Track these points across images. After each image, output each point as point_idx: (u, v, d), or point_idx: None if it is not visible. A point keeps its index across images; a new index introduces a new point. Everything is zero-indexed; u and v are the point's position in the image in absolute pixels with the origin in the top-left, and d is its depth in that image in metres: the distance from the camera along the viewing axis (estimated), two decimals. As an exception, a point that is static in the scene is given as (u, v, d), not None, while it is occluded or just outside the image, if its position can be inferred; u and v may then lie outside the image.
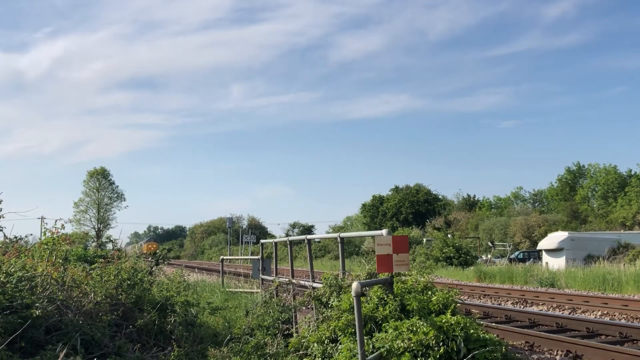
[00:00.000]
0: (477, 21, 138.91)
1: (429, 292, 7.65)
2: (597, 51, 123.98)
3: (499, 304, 17.13)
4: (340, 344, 7.28)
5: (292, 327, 10.62)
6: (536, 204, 68.74)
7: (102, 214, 75.95)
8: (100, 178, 76.57)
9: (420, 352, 6.39)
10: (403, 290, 7.64)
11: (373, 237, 8.91)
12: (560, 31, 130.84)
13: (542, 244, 38.14)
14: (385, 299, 7.44)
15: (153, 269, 11.64)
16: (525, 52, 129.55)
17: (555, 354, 8.88)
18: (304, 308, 10.61)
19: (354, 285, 6.29)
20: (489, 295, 19.90)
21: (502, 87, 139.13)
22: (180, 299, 9.75)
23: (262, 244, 17.38)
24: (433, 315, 7.01)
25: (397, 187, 77.05)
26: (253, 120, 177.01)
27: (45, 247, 9.90)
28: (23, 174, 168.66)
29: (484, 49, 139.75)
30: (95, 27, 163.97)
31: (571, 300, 17.53)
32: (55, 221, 10.53)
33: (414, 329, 6.59)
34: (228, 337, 9.37)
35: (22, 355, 6.77)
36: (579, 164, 64.00)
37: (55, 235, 10.30)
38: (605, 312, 14.51)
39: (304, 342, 8.02)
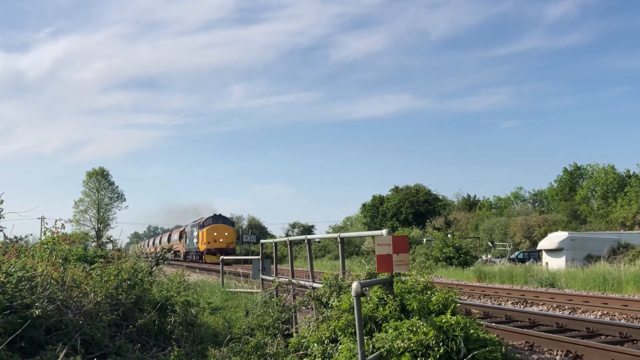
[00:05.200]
0: (479, 21, 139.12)
1: (429, 292, 7.65)
2: (598, 51, 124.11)
3: (499, 304, 17.11)
4: (340, 344, 7.27)
5: (292, 327, 10.61)
6: (536, 204, 68.69)
7: (102, 214, 75.89)
8: (100, 178, 76.49)
9: (420, 352, 6.39)
10: (403, 290, 7.64)
11: (373, 237, 8.91)
12: (562, 31, 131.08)
13: (542, 244, 38.11)
14: (385, 299, 7.44)
15: (153, 269, 11.62)
16: (527, 52, 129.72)
17: (555, 354, 8.87)
18: (304, 308, 10.60)
19: (354, 285, 6.29)
20: (489, 295, 19.88)
21: (504, 87, 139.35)
22: (180, 299, 9.75)
23: (262, 244, 17.37)
24: (433, 315, 7.01)
25: (397, 187, 76.97)
26: (254, 120, 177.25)
27: (45, 247, 9.90)
28: (23, 174, 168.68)
29: (485, 49, 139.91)
30: (96, 27, 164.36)
31: (571, 300, 17.52)
32: (55, 221, 10.52)
33: (414, 329, 6.59)
34: (228, 337, 9.37)
35: (22, 355, 6.77)
36: (576, 164, 64.18)
37: (55, 235, 10.29)
38: (605, 312, 14.49)
39: (304, 342, 8.01)
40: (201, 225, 56.87)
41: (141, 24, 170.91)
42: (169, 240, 73.44)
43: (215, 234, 54.63)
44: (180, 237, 65.92)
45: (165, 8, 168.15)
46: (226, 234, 55.42)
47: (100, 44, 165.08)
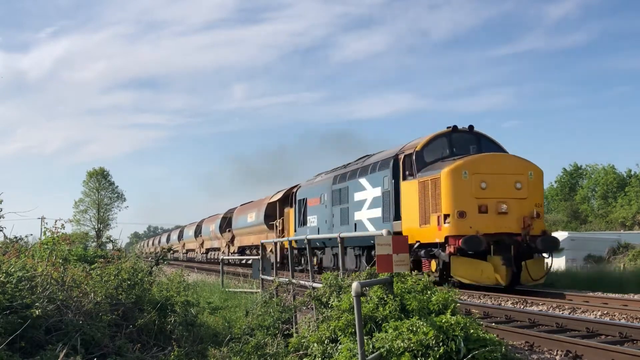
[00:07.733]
0: (480, 21, 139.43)
1: (429, 292, 7.65)
2: (599, 51, 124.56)
3: (499, 304, 17.10)
4: (340, 344, 7.28)
5: (292, 327, 10.61)
6: (536, 204, 68.66)
7: (102, 214, 75.86)
8: (100, 178, 76.48)
9: (420, 352, 6.39)
10: (403, 290, 7.64)
11: (373, 237, 8.91)
12: (563, 32, 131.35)
13: (542, 244, 38.08)
14: (385, 299, 7.44)
15: (153, 269, 11.63)
16: (528, 52, 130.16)
17: (555, 354, 8.87)
18: (304, 308, 10.61)
19: (354, 285, 6.29)
20: (488, 295, 19.87)
21: (505, 87, 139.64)
22: (180, 299, 9.75)
23: (262, 243, 17.39)
24: (433, 315, 7.01)
25: (397, 187, 76.92)
26: (254, 120, 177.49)
27: (46, 247, 9.90)
28: (23, 174, 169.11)
29: (486, 49, 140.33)
30: (97, 27, 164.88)
31: (571, 300, 17.51)
32: (55, 221, 10.53)
33: (414, 329, 6.60)
34: (228, 337, 9.37)
35: (22, 355, 6.76)
36: (576, 164, 64.29)
37: (55, 236, 10.29)
38: (605, 312, 14.47)
39: (304, 342, 8.02)
40: (421, 159, 15.67)
41: (142, 24, 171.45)
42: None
43: (492, 183, 14.75)
44: (281, 213, 28.51)
45: (166, 8, 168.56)
46: (518, 185, 15.22)
47: (101, 44, 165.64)
